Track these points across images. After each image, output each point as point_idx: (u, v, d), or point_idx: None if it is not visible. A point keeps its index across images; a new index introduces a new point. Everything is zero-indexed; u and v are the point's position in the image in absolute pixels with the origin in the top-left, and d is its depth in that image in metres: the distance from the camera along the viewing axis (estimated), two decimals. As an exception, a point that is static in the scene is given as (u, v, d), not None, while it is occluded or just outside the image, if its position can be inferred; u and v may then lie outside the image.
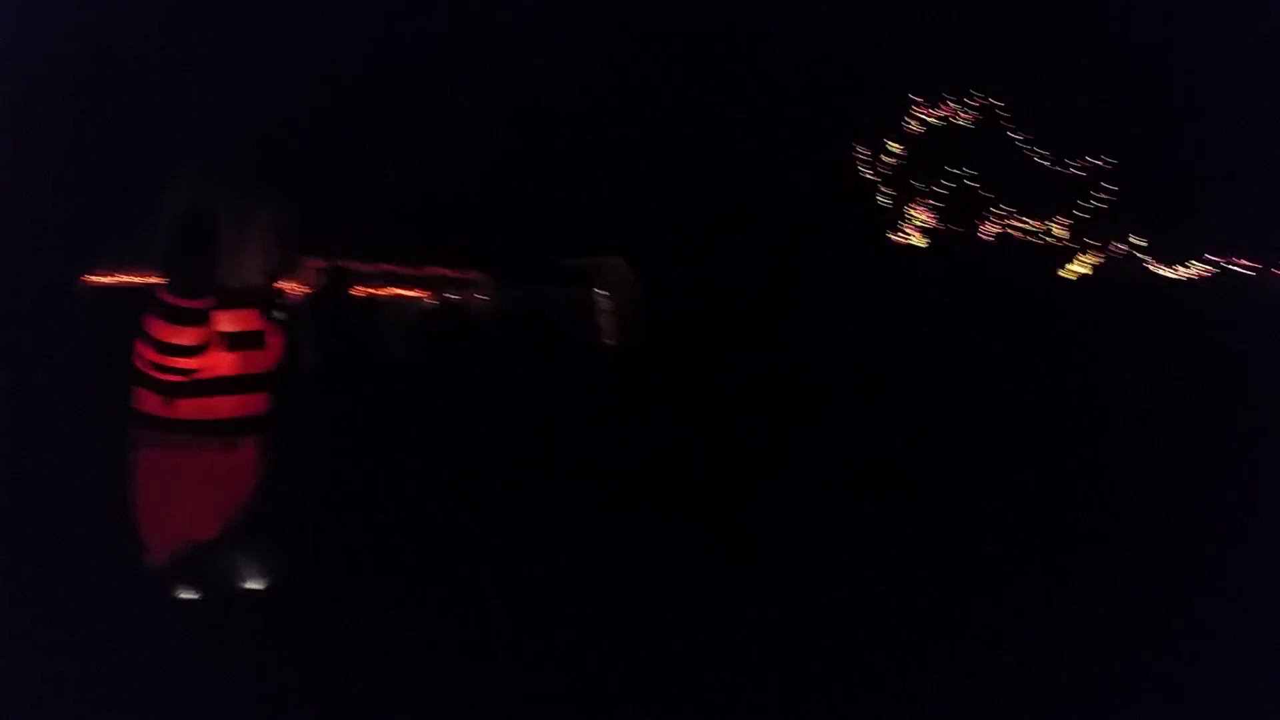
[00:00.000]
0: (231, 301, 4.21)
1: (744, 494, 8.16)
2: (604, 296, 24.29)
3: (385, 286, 17.24)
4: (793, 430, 10.57)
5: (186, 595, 4.22)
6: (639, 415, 11.16)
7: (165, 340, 3.88)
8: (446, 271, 19.20)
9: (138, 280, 12.83)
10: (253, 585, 4.20)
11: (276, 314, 4.65)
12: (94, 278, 15.47)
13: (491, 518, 7.29)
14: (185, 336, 3.90)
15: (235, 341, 4.22)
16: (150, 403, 4.11)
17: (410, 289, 18.49)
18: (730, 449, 9.52)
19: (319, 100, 20.17)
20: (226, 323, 4.18)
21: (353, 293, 11.89)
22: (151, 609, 4.18)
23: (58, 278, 14.97)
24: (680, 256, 21.21)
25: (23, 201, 14.26)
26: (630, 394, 13.00)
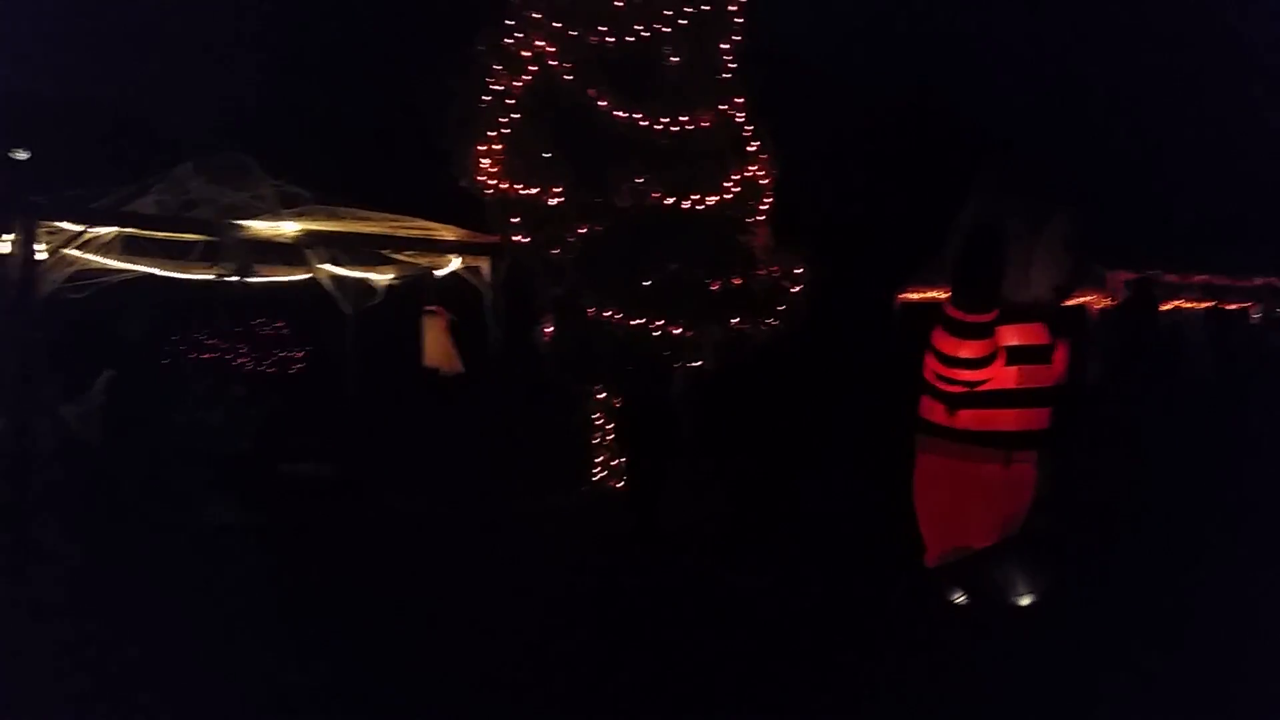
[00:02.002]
0: (1017, 315, 4.29)
1: None
2: None
3: (1203, 299, 15.68)
4: None
5: (957, 599, 4.44)
6: None
7: (949, 353, 4.13)
8: (1280, 281, 16.69)
9: (939, 295, 13.77)
10: (1022, 600, 4.24)
11: (1064, 329, 4.61)
12: (907, 294, 17.06)
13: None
14: (969, 349, 4.09)
15: (1019, 355, 4.29)
16: (935, 411, 4.42)
17: (1233, 302, 16.49)
18: None
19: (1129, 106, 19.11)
20: (1011, 336, 4.28)
21: (1161, 306, 11.09)
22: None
23: (874, 293, 16.90)
24: None
25: (840, 218, 16.34)
26: None
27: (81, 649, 4.76)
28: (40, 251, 7.09)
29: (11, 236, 7.15)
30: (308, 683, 4.52)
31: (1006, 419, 4.27)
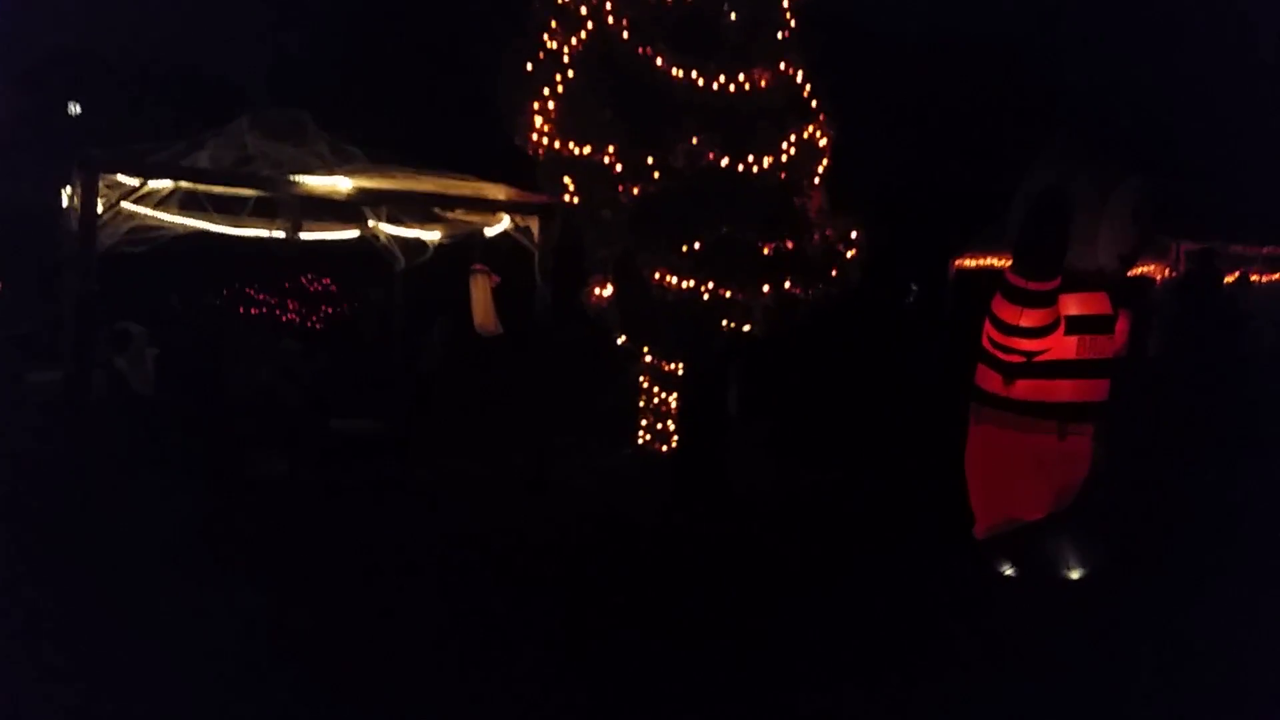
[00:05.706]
0: (1080, 284, 4.40)
1: None
2: None
3: (1270, 271, 15.50)
4: None
5: (1006, 572, 4.59)
6: None
7: (1009, 321, 4.26)
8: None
9: (999, 262, 13.71)
10: (1072, 574, 4.38)
11: (1127, 299, 4.71)
12: (962, 261, 16.94)
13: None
14: (1029, 318, 4.22)
15: (1080, 325, 4.41)
16: (990, 381, 4.56)
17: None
18: None
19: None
20: (1073, 306, 4.39)
21: (1225, 279, 11.00)
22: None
23: (930, 259, 16.81)
24: None
25: (895, 185, 16.21)
26: None
27: (126, 598, 4.95)
28: (99, 205, 7.35)
29: (71, 190, 7.44)
30: (346, 639, 4.70)
31: (1064, 390, 4.41)
